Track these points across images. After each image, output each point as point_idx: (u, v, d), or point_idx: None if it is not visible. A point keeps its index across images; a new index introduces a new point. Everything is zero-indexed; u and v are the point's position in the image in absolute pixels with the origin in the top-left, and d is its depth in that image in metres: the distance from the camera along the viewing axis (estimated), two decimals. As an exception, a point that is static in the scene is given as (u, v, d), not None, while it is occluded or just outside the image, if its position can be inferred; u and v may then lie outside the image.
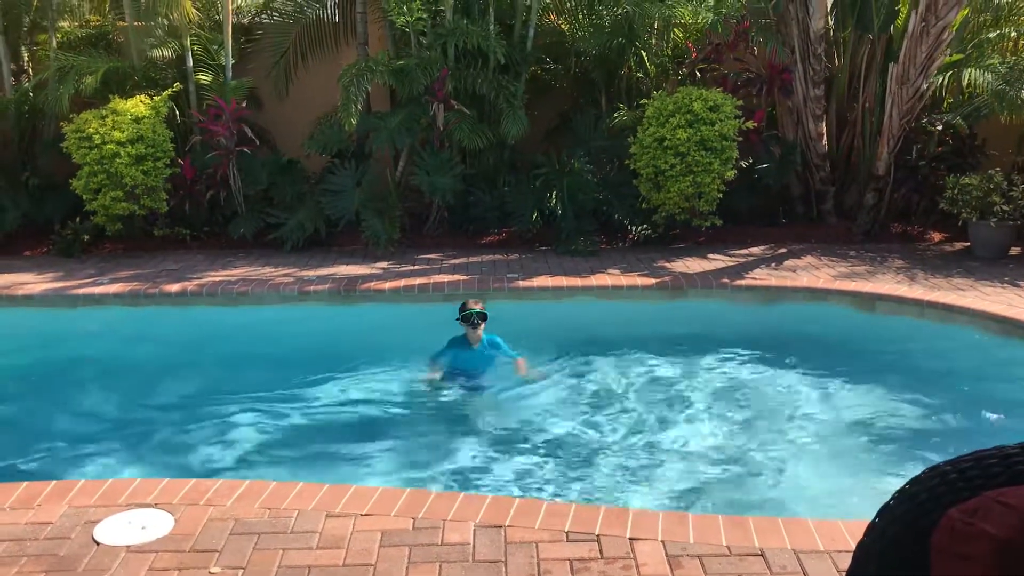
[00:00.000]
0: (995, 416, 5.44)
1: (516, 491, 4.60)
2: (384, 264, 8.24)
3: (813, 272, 7.75)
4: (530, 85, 9.37)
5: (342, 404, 5.93)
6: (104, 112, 8.45)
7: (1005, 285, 7.28)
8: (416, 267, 8.14)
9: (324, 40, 9.95)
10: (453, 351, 6.17)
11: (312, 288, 7.43)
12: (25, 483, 4.11)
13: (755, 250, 8.58)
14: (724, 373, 6.33)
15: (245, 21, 10.10)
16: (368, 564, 3.40)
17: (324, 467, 4.98)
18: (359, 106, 8.63)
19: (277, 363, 6.52)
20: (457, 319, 6.11)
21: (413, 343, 6.64)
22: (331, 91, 9.12)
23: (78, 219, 8.82)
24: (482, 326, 6.09)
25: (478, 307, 6.09)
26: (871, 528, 0.94)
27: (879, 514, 0.94)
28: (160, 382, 6.25)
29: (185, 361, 6.60)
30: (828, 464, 4.98)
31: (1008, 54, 9.25)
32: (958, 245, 8.74)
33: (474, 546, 3.49)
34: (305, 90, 9.90)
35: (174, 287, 7.47)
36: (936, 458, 0.87)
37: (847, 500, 4.46)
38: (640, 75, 9.53)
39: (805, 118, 9.04)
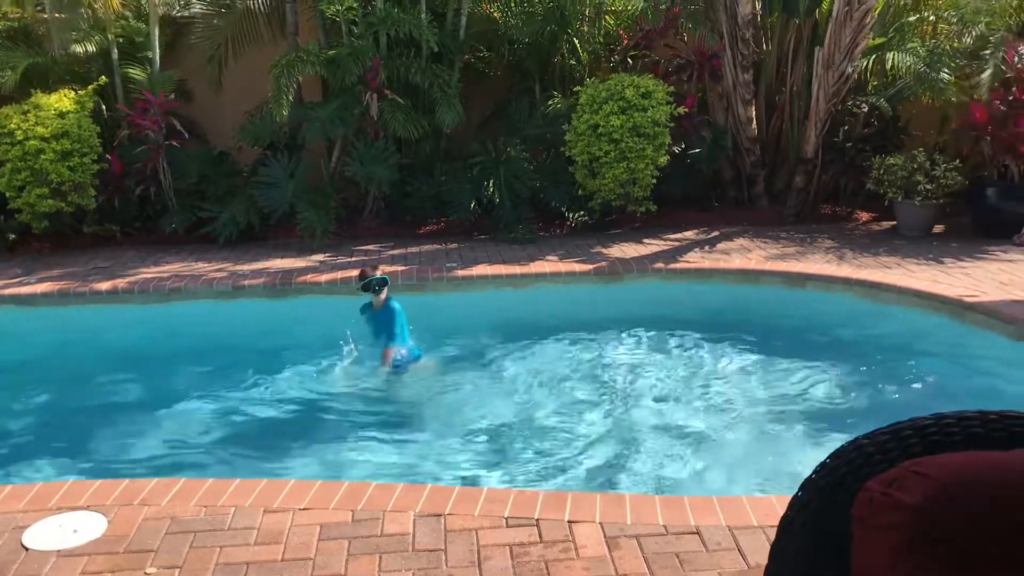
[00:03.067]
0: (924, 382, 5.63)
1: (457, 479, 4.62)
2: (320, 256, 8.17)
3: (745, 254, 7.89)
4: (464, 74, 9.35)
5: (280, 399, 5.89)
6: (26, 107, 8.22)
7: (930, 262, 7.50)
8: (353, 259, 8.09)
9: (254, 31, 9.78)
10: (365, 316, 6.34)
11: (247, 282, 7.34)
12: (-50, 490, 4.00)
13: (689, 234, 8.71)
14: (660, 355, 6.42)
15: (173, 13, 9.88)
16: (307, 558, 3.40)
17: (262, 463, 4.94)
18: (290, 97, 8.53)
19: (212, 359, 6.44)
20: (358, 289, 6.28)
21: (346, 334, 6.61)
22: (262, 82, 8.99)
23: (2, 217, 8.57)
24: (384, 291, 6.24)
25: (378, 273, 6.28)
26: (794, 502, 0.98)
27: (802, 488, 0.98)
28: (91, 382, 6.13)
29: (117, 360, 6.48)
30: (762, 441, 5.10)
31: (928, 37, 9.50)
32: (885, 224, 8.98)
33: (414, 535, 3.51)
34: (236, 82, 9.73)
35: (104, 285, 7.32)
36: (865, 432, 0.92)
37: (780, 476, 4.58)
38: (573, 63, 9.58)
39: (735, 103, 9.18)
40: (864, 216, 9.35)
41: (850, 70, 8.65)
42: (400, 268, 7.66)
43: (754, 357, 6.27)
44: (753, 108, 9.26)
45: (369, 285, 6.19)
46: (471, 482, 4.58)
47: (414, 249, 8.42)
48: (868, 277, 7.04)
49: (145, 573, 3.34)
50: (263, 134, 9.05)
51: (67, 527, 3.64)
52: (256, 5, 9.77)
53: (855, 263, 7.50)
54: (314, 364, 6.32)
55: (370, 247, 8.54)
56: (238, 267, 7.80)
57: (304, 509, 3.73)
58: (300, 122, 8.87)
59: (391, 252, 8.33)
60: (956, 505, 0.77)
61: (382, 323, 6.27)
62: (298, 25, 9.44)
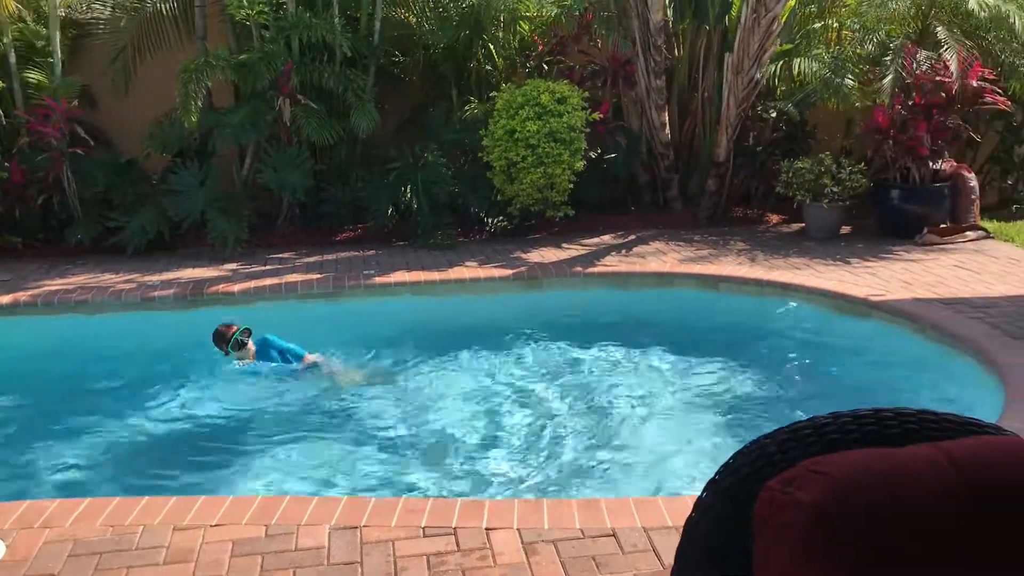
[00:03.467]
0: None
1: (374, 491, 4.56)
2: (233, 265, 7.98)
3: (661, 257, 8.01)
4: (380, 79, 9.27)
5: (192, 413, 5.73)
6: (-84, 114, 7.85)
7: (837, 262, 7.73)
8: (268, 267, 7.93)
9: (162, 35, 9.52)
10: (252, 365, 6.17)
11: (156, 293, 7.13)
12: None
13: (606, 238, 8.79)
14: (579, 359, 6.46)
15: (76, 15, 9.54)
16: (219, 575, 3.30)
17: (173, 480, 4.79)
18: (199, 103, 8.32)
19: (120, 373, 6.22)
20: (229, 351, 6.04)
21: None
22: (171, 88, 8.73)
23: None
24: (248, 343, 6.07)
25: (233, 330, 6.05)
26: (699, 503, 0.97)
27: (706, 489, 0.97)
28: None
29: (18, 376, 6.20)
30: (678, 441, 5.16)
31: (832, 44, 9.80)
32: (794, 226, 9.22)
33: (329, 549, 3.44)
34: (144, 87, 9.45)
35: (5, 298, 7.02)
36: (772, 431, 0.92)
37: (695, 476, 4.64)
38: (489, 68, 9.59)
39: (648, 108, 9.31)
40: (774, 218, 9.58)
41: (759, 76, 8.86)
42: (316, 276, 7.54)
43: (670, 359, 6.36)
44: (666, 113, 9.40)
45: (237, 343, 6.02)
46: (389, 493, 4.51)
47: (330, 256, 8.30)
48: (778, 278, 7.21)
49: (46, 599, 3.19)
50: (172, 141, 8.80)
51: (-39, 554, 3.46)
52: (163, 8, 9.51)
53: (766, 264, 7.68)
54: (227, 377, 6.16)
55: (285, 255, 8.38)
56: (147, 278, 7.57)
57: (215, 526, 3.63)
58: (211, 128, 8.65)
59: (306, 260, 8.19)
60: (852, 502, 0.77)
61: (271, 357, 6.14)
62: (207, 29, 9.22)
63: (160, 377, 6.11)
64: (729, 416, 5.49)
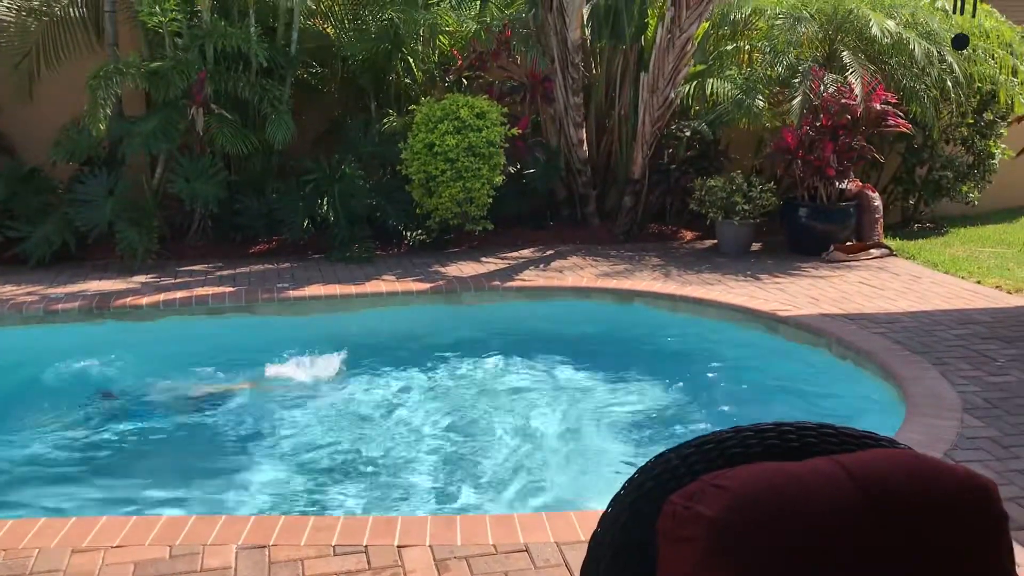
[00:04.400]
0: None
1: (284, 510, 4.45)
2: (142, 278, 7.75)
3: (578, 271, 8.08)
4: (297, 90, 9.14)
5: (95, 430, 5.51)
6: None
7: (748, 278, 7.91)
8: (178, 280, 7.72)
9: (70, 40, 9.21)
10: None
11: (60, 306, 6.86)
12: None
13: (525, 252, 8.83)
14: (495, 373, 6.46)
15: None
16: (119, 600, 3.17)
17: (72, 501, 4.59)
18: (108, 111, 8.07)
19: (18, 390, 5.96)
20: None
21: (172, 360, 6.31)
22: (79, 95, 8.44)
23: None
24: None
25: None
26: (604, 517, 0.97)
27: (611, 503, 0.97)
28: None
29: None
30: (592, 455, 5.20)
31: (744, 66, 10.06)
32: (707, 243, 9.41)
33: (236, 569, 3.35)
34: (49, 93, 9.11)
35: None
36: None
37: (607, 489, 4.67)
38: (408, 81, 9.55)
39: (567, 125, 9.41)
40: (688, 235, 9.76)
41: (673, 95, 9.04)
42: (229, 289, 7.37)
43: (586, 373, 6.41)
44: (584, 130, 9.51)
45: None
46: (300, 512, 4.42)
47: (244, 269, 8.13)
48: (691, 293, 7.35)
49: (-69, 628, 3.02)
50: (79, 149, 8.49)
51: None
52: (72, 13, 9.20)
53: (680, 280, 7.81)
54: (131, 391, 5.96)
55: (196, 267, 8.18)
56: (51, 290, 7.29)
57: (117, 547, 3.50)
58: (120, 137, 8.40)
59: (219, 273, 8.01)
60: (750, 516, 0.78)
61: None
62: (117, 35, 8.95)
63: (61, 393, 5.88)
64: (640, 430, 5.55)
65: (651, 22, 9.50)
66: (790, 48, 9.54)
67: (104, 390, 5.98)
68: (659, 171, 9.57)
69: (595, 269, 8.18)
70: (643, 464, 0.98)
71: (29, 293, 7.20)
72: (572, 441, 5.38)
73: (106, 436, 5.45)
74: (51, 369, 6.25)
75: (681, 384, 6.16)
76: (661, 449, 0.97)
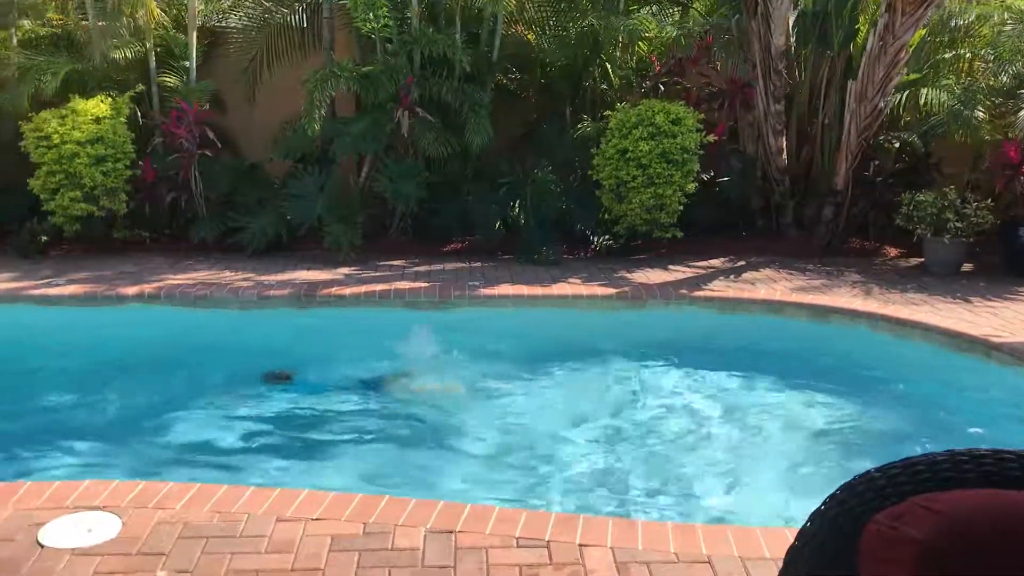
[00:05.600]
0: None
1: (469, 497, 4.61)
2: (346, 270, 8.22)
3: (771, 284, 7.85)
4: (496, 95, 9.41)
5: (298, 408, 5.91)
6: (64, 112, 8.36)
7: (957, 300, 7.42)
8: (378, 273, 8.13)
9: (291, 45, 9.91)
10: None
11: (272, 293, 7.40)
12: (-30, 485, 4.05)
13: (715, 262, 8.67)
14: (681, 382, 6.39)
15: (211, 24, 10.03)
16: (317, 568, 3.40)
17: (277, 471, 4.96)
18: (323, 112, 8.62)
19: (235, 367, 6.48)
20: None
21: (371, 348, 6.65)
22: (296, 96, 9.08)
23: (36, 219, 8.70)
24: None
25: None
26: (802, 533, 0.97)
27: (810, 519, 0.97)
28: (113, 384, 6.19)
29: (139, 364, 6.54)
30: (778, 472, 5.05)
31: (963, 75, 9.45)
32: (913, 260, 8.90)
33: (424, 551, 3.50)
34: (270, 94, 9.85)
35: (131, 290, 7.40)
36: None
37: (792, 508, 4.53)
38: (604, 87, 9.61)
39: (766, 132, 9.16)
40: (892, 251, 9.27)
41: (883, 105, 8.62)
42: (423, 284, 7.68)
43: (775, 389, 6.22)
44: (784, 138, 9.23)
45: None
46: (483, 500, 4.56)
47: (438, 266, 8.45)
48: (894, 313, 6.97)
49: (156, 576, 3.35)
50: (295, 147, 9.14)
51: (82, 526, 3.67)
52: (292, 20, 9.90)
53: (881, 298, 7.43)
54: (333, 375, 6.34)
55: (395, 262, 8.58)
56: (264, 277, 7.86)
57: (316, 519, 3.74)
58: (332, 137, 8.95)
59: (415, 268, 8.36)
60: (963, 542, 0.76)
61: None
62: (334, 41, 9.55)
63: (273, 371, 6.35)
64: (833, 450, 5.34)
65: (861, 28, 9.10)
66: (1018, 56, 8.86)
67: (277, 371, 6.39)
68: (863, 183, 9.14)
69: (789, 283, 7.92)
70: (846, 481, 0.97)
71: (245, 279, 7.80)
72: (758, 457, 5.25)
73: (307, 414, 5.83)
74: (264, 349, 6.73)
75: (880, 406, 5.87)
76: (852, 472, 0.96)
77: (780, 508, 4.63)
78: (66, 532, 3.63)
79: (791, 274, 8.24)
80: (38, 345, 6.80)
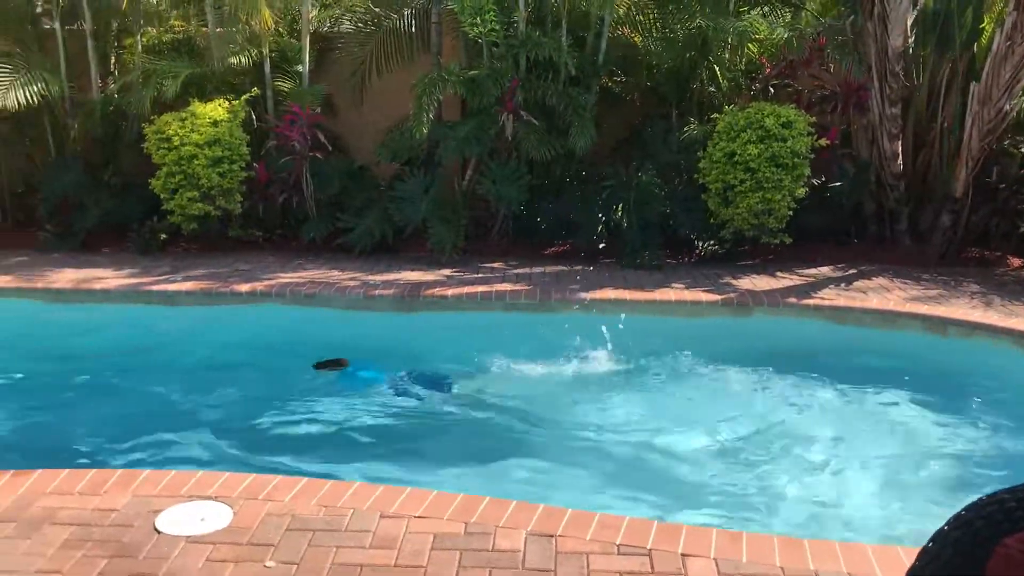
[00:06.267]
0: None
1: (568, 501, 4.58)
2: (448, 271, 8.31)
3: (884, 294, 7.57)
4: (600, 97, 9.36)
5: (401, 406, 6.00)
6: (184, 115, 8.71)
7: (1087, 314, 7.01)
8: (479, 275, 8.19)
9: (399, 49, 10.09)
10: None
11: (377, 292, 7.54)
12: (93, 470, 4.25)
13: (824, 269, 8.42)
14: (788, 392, 6.22)
15: (324, 30, 10.29)
16: (419, 566, 3.44)
17: (379, 467, 5.04)
18: (430, 115, 8.74)
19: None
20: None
21: (472, 349, 6.70)
22: (403, 100, 9.25)
23: (156, 218, 9.10)
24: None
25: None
26: (924, 552, 0.92)
27: (933, 539, 0.92)
28: (226, 378, 6.40)
29: (251, 359, 6.75)
30: (891, 490, 4.85)
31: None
32: (1039, 271, 8.46)
33: (524, 554, 3.50)
34: (378, 98, 10.05)
35: (244, 287, 7.65)
36: (1000, 487, 0.87)
37: (907, 526, 4.34)
38: (712, 89, 9.45)
39: (880, 137, 8.85)
40: (1016, 262, 8.82)
41: (1008, 108, 8.22)
42: (524, 287, 7.70)
43: (888, 402, 5.99)
44: (900, 143, 8.90)
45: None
46: (581, 505, 4.52)
47: (539, 269, 8.45)
48: (1017, 326, 6.63)
49: (264, 566, 3.44)
50: (401, 150, 9.30)
51: (196, 515, 3.81)
52: (402, 25, 10.07)
53: (1003, 311, 7.08)
54: (435, 375, 6.41)
55: (496, 264, 8.63)
56: (370, 277, 8.01)
57: (419, 517, 3.78)
58: (437, 140, 9.06)
59: (516, 271, 8.39)
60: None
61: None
62: (441, 45, 9.67)
63: (377, 370, 6.45)
64: (949, 469, 5.10)
65: (986, 28, 8.70)
66: None
67: (330, 360, 6.56)
68: (985, 189, 8.73)
69: (903, 292, 7.63)
70: (972, 502, 0.91)
71: (352, 279, 7.97)
72: (867, 473, 5.05)
73: (408, 412, 5.91)
74: (369, 348, 6.86)
75: (1001, 424, 5.59)
76: (971, 494, 0.89)
77: (892, 526, 4.45)
78: (181, 520, 3.77)
79: (905, 283, 7.93)
80: (154, 338, 7.10)
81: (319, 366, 6.55)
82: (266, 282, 7.79)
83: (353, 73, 9.99)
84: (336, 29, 10.36)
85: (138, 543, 3.59)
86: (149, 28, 10.11)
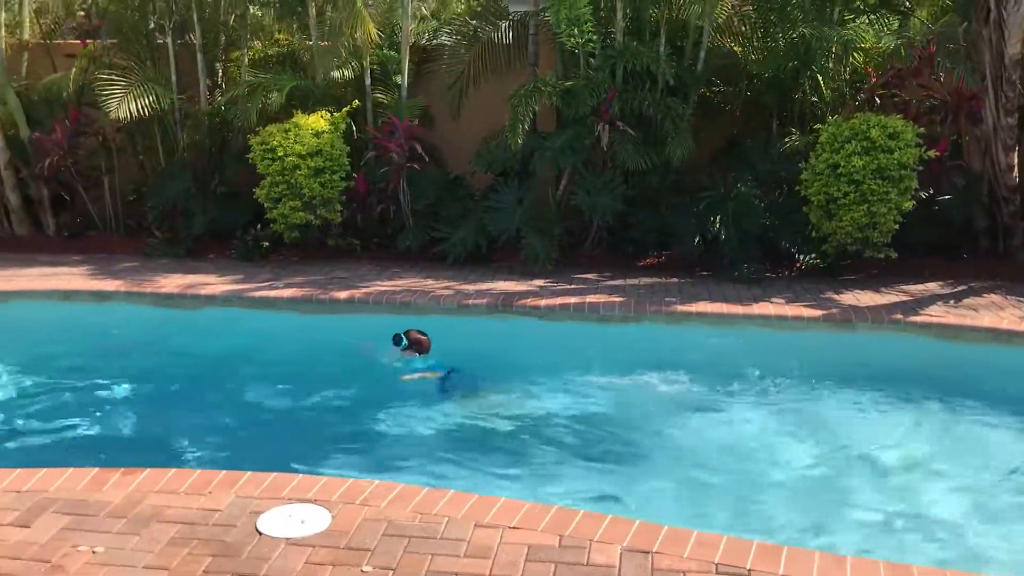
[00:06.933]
0: None
1: (661, 517, 4.50)
2: (541, 281, 8.30)
3: (996, 312, 7.24)
4: (698, 107, 9.24)
5: (492, 414, 6.01)
6: (288, 126, 8.94)
7: None
8: (572, 286, 8.16)
9: (496, 61, 10.14)
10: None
11: (471, 302, 7.59)
12: (198, 471, 4.38)
13: (932, 285, 8.10)
14: (895, 414, 6.00)
15: (423, 43, 10.44)
16: (513, 577, 3.42)
17: (473, 477, 5.05)
18: (526, 126, 8.77)
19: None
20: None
21: (565, 360, 6.67)
22: (498, 111, 9.29)
23: (259, 226, 9.37)
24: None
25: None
26: None
27: None
28: (325, 383, 6.51)
29: (349, 366, 6.86)
30: (1003, 519, 4.62)
31: None
32: None
33: (620, 570, 3.45)
34: (474, 109, 10.11)
35: (342, 294, 7.81)
36: None
37: (1016, 558, 4.12)
38: (814, 100, 9.21)
39: (994, 148, 8.49)
40: None
41: None
42: (618, 299, 7.63)
43: (1000, 425, 5.71)
44: (1015, 154, 8.51)
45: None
46: (677, 522, 4.44)
47: (632, 281, 8.37)
48: None
49: (362, 571, 3.48)
50: (496, 161, 9.35)
51: (296, 517, 3.88)
52: (499, 37, 10.12)
53: None
54: (529, 385, 6.41)
55: (589, 276, 8.58)
56: (464, 286, 8.07)
57: (513, 528, 3.77)
58: (532, 150, 9.08)
59: (609, 282, 8.32)
60: None
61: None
62: (538, 56, 9.70)
63: (469, 379, 6.49)
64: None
65: (1111, 33, 8.24)
66: None
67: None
68: (1107, 204, 8.28)
69: (1017, 310, 7.27)
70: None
71: (446, 287, 8.04)
72: (980, 500, 4.82)
73: (499, 421, 5.92)
74: (464, 354, 6.88)
75: None
76: None
77: (1001, 557, 4.23)
78: (281, 522, 3.85)
79: (1020, 301, 7.57)
80: (257, 342, 7.30)
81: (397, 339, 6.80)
82: (363, 290, 7.93)
83: (450, 85, 10.09)
84: (434, 42, 10.50)
85: (240, 543, 3.68)
86: (255, 42, 10.44)
